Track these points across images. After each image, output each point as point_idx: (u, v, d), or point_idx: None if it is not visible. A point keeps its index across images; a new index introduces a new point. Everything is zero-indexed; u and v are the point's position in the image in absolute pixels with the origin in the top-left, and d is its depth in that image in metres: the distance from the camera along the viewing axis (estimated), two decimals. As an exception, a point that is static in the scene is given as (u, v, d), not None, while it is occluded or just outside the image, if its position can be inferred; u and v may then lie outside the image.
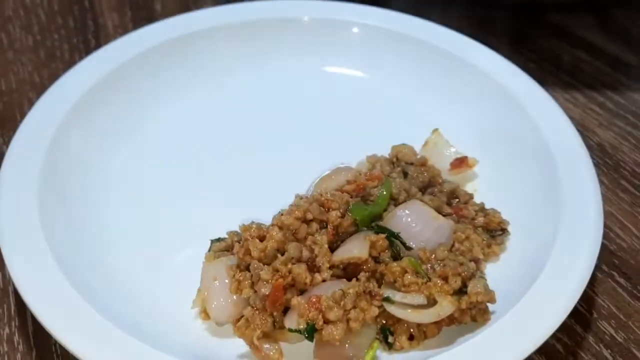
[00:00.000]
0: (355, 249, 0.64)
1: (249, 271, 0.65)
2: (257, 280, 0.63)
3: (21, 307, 0.72)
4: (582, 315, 0.73)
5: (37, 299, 0.63)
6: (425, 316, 0.62)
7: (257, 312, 0.63)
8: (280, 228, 0.66)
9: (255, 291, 0.63)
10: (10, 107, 0.97)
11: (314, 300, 0.61)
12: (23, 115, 0.94)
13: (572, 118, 0.85)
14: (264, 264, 0.64)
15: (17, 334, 0.70)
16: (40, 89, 0.99)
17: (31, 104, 0.97)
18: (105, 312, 0.62)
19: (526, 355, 0.60)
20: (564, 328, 0.70)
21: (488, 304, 0.64)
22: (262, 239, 0.65)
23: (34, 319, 0.71)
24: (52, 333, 0.61)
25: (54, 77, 1.01)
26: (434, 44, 0.96)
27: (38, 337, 0.70)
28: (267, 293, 0.62)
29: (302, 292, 0.64)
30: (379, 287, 0.65)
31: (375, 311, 0.62)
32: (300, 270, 0.62)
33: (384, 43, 0.98)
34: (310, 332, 0.60)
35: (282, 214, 0.67)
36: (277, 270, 0.63)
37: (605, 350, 0.70)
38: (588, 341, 0.71)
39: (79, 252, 0.71)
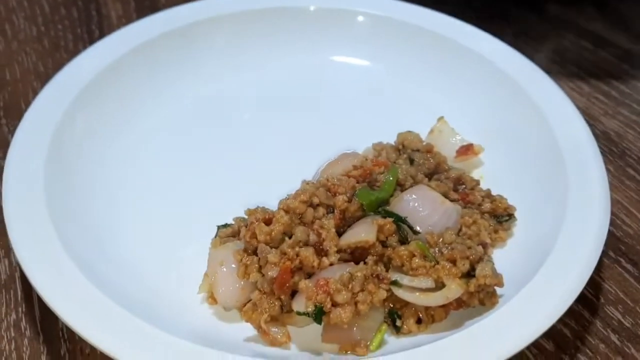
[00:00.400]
0: (363, 232, 0.64)
1: (256, 255, 0.65)
2: (264, 263, 0.63)
3: (28, 292, 0.72)
4: (589, 301, 0.73)
5: (45, 283, 0.63)
6: (434, 299, 0.62)
7: (264, 295, 0.63)
8: (287, 212, 0.66)
9: (263, 275, 0.63)
10: (15, 97, 0.97)
11: (322, 283, 0.61)
12: (28, 104, 0.94)
13: (577, 107, 0.85)
14: (271, 248, 0.64)
15: (24, 319, 0.70)
16: (45, 79, 0.99)
17: (36, 93, 0.96)
18: (113, 295, 0.62)
19: (534, 338, 0.60)
20: (571, 313, 0.70)
21: (496, 288, 0.64)
22: (268, 222, 0.65)
23: (40, 304, 0.71)
24: (59, 316, 0.60)
25: (58, 66, 1.01)
26: (439, 32, 0.96)
27: (45, 322, 0.70)
28: (274, 276, 0.62)
29: (309, 275, 0.64)
30: (387, 271, 0.65)
31: (383, 294, 0.62)
32: (308, 253, 0.62)
33: (390, 32, 0.98)
34: (319, 315, 0.60)
35: (288, 198, 0.67)
36: (285, 254, 0.63)
37: (613, 335, 0.70)
38: (596, 326, 0.71)
39: (86, 238, 0.71)
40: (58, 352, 0.67)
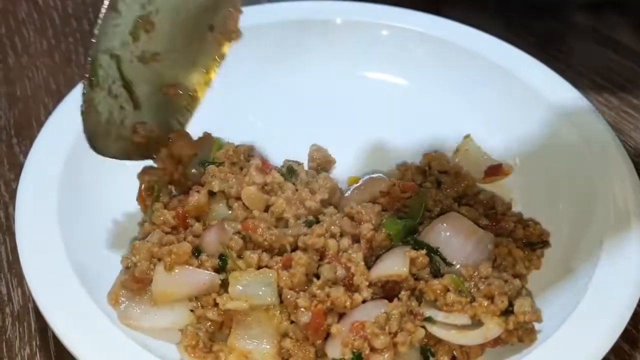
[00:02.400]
0: (396, 265, 0.61)
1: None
2: (293, 309, 0.60)
3: (42, 325, 0.70)
4: (628, 332, 0.69)
5: (60, 319, 0.60)
6: (471, 338, 0.58)
7: (298, 343, 0.60)
8: (304, 250, 0.63)
9: (292, 322, 0.60)
10: (26, 114, 0.95)
11: (358, 327, 0.58)
12: (39, 122, 0.92)
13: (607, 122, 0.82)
14: (297, 292, 0.61)
15: (39, 354, 0.67)
16: (56, 95, 0.97)
17: (47, 110, 0.94)
18: (133, 334, 0.60)
19: (578, 379, 0.57)
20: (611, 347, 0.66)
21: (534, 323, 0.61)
22: (287, 265, 0.62)
23: (56, 339, 0.68)
24: (76, 355, 0.58)
25: (70, 82, 0.98)
26: (463, 46, 0.93)
27: (60, 357, 0.67)
28: (308, 321, 0.58)
29: (340, 315, 0.61)
30: (419, 305, 0.62)
31: (422, 333, 0.59)
32: (339, 293, 0.59)
33: (414, 46, 0.95)
34: None
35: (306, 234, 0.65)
36: (315, 296, 0.60)
37: (654, 369, 0.67)
38: (636, 359, 0.67)
39: (104, 269, 0.67)
40: (74, 388, 0.65)
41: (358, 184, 0.72)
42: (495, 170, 0.80)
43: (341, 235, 0.66)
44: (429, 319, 0.60)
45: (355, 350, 0.57)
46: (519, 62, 0.90)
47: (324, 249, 0.64)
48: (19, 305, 0.72)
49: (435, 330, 0.60)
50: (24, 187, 0.71)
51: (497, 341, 0.60)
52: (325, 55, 0.96)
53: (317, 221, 0.68)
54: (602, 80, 1.03)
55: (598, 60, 1.08)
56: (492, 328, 0.58)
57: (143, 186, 0.73)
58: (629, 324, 0.69)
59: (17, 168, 0.86)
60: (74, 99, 0.82)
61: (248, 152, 0.77)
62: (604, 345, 0.59)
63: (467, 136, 0.84)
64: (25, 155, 0.76)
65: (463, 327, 0.59)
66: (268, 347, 0.60)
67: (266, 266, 0.63)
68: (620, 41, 1.12)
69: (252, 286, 0.61)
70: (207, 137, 0.77)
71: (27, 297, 0.72)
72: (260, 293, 0.60)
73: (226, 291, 0.62)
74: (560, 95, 0.85)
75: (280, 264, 0.62)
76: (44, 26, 1.11)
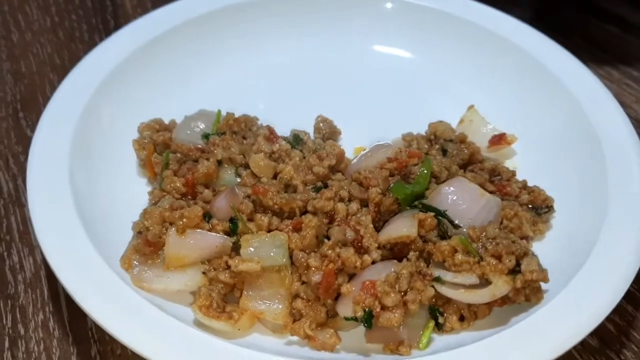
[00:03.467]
0: (404, 227, 0.62)
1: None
2: (304, 270, 0.61)
3: (55, 292, 0.71)
4: (632, 294, 0.71)
5: (73, 280, 0.61)
6: (480, 297, 0.59)
7: (309, 303, 0.61)
8: (314, 213, 0.64)
9: (304, 282, 0.61)
10: (31, 90, 0.95)
11: (369, 285, 0.59)
12: (45, 97, 0.92)
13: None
14: (307, 253, 0.62)
15: (52, 319, 0.68)
16: (61, 71, 0.97)
17: (53, 86, 0.95)
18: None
19: (582, 337, 0.58)
20: (615, 308, 0.67)
21: (541, 283, 0.62)
22: (297, 228, 0.63)
23: (68, 304, 0.69)
24: (90, 315, 0.59)
25: (74, 58, 0.99)
26: (468, 19, 0.94)
27: (74, 323, 0.68)
28: (319, 281, 0.59)
29: (350, 276, 0.62)
30: (427, 267, 0.63)
31: (431, 291, 0.60)
32: (349, 253, 0.60)
33: (419, 20, 0.95)
34: (369, 319, 0.58)
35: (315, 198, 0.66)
36: (326, 256, 0.60)
37: (658, 330, 0.68)
38: (640, 320, 0.69)
39: (115, 233, 0.68)
40: (88, 353, 0.66)
41: (365, 151, 0.73)
42: (499, 140, 0.80)
43: (349, 200, 0.67)
44: (438, 279, 0.61)
45: (366, 308, 0.58)
46: (521, 34, 0.91)
47: (333, 212, 0.65)
48: (30, 273, 0.72)
49: (444, 290, 0.61)
50: (34, 159, 0.72)
51: (504, 300, 0.61)
52: (330, 28, 0.96)
53: (326, 186, 0.68)
54: (602, 54, 1.04)
55: (599, 35, 1.08)
56: (500, 286, 0.59)
57: (148, 155, 0.74)
58: (633, 286, 0.71)
59: (24, 141, 0.86)
60: (79, 73, 0.84)
61: (249, 122, 0.78)
62: (607, 306, 0.60)
63: (471, 107, 0.84)
64: (32, 129, 0.77)
65: (471, 287, 0.60)
66: (280, 307, 0.61)
67: (277, 229, 0.64)
68: (620, 16, 1.12)
69: (263, 248, 0.62)
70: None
71: (38, 265, 0.73)
72: (272, 254, 0.61)
73: (237, 254, 0.63)
74: (562, 65, 0.86)
75: (290, 227, 0.63)
76: (47, 3, 1.11)
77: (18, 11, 1.09)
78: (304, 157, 0.72)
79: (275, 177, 0.70)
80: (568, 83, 0.84)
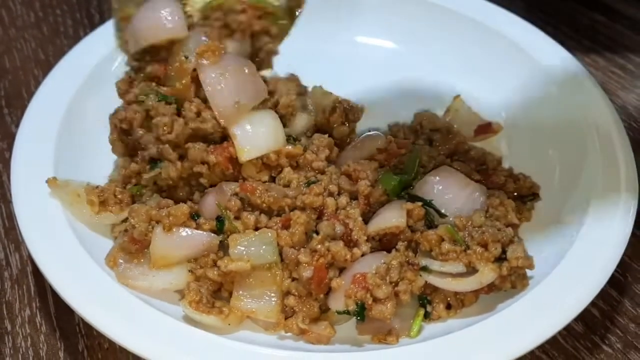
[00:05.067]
0: (393, 217, 0.62)
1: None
2: (294, 266, 0.61)
3: (41, 287, 0.70)
4: (616, 279, 0.71)
5: (59, 276, 0.61)
6: (467, 284, 0.60)
7: (301, 299, 0.61)
8: (303, 209, 0.64)
9: (294, 279, 0.61)
10: (16, 85, 0.94)
11: (360, 278, 0.59)
12: (30, 93, 0.92)
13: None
14: (297, 249, 0.62)
15: (39, 315, 0.68)
16: (46, 66, 0.96)
17: (37, 81, 0.94)
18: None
19: (567, 322, 0.59)
20: (599, 293, 0.68)
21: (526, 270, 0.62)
22: (286, 225, 0.63)
23: (55, 299, 0.69)
24: (76, 310, 0.59)
25: (59, 53, 0.98)
26: (451, 8, 0.94)
27: (60, 318, 0.68)
28: (310, 276, 0.59)
29: (340, 270, 0.62)
30: (415, 256, 0.63)
31: (422, 281, 0.60)
32: (339, 247, 0.60)
33: (404, 10, 0.95)
34: (361, 312, 0.58)
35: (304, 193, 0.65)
36: (315, 251, 0.60)
37: (643, 314, 0.69)
38: (625, 305, 0.69)
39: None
40: (76, 347, 0.66)
41: (355, 141, 0.73)
42: (485, 129, 0.81)
43: (339, 193, 0.67)
44: (425, 269, 0.61)
45: (358, 302, 0.58)
46: (506, 23, 0.91)
47: (322, 207, 0.65)
48: (17, 269, 0.72)
49: (432, 279, 0.61)
50: (18, 155, 0.72)
51: (491, 287, 0.62)
52: (314, 19, 0.95)
53: (316, 180, 0.68)
54: (589, 42, 1.04)
55: (586, 23, 1.09)
56: (487, 274, 0.59)
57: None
58: (617, 271, 0.71)
59: (9, 138, 0.86)
60: (63, 68, 0.83)
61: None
62: (591, 291, 0.61)
63: (457, 97, 0.84)
64: (17, 125, 0.76)
65: (458, 275, 0.60)
66: (272, 305, 0.61)
67: (265, 226, 0.64)
68: (608, 4, 1.12)
69: (252, 246, 0.61)
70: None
71: (25, 261, 0.73)
72: (262, 252, 0.61)
73: (224, 253, 0.63)
74: (548, 54, 0.86)
75: (279, 224, 0.63)
76: (30, -2, 1.11)
77: (1, 7, 1.09)
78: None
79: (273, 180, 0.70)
80: (553, 71, 0.84)
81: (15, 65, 0.98)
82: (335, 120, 0.73)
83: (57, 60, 0.85)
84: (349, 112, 0.74)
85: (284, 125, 0.71)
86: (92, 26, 1.03)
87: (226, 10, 0.73)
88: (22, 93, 0.93)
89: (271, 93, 0.75)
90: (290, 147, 0.69)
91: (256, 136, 0.67)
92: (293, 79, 0.81)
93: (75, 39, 1.00)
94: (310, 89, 0.80)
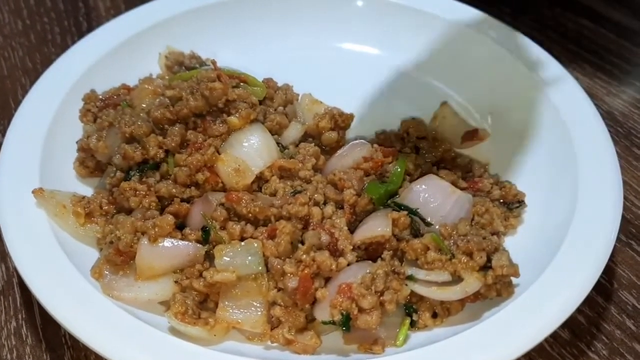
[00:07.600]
0: (379, 227, 0.62)
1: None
2: (280, 276, 0.61)
3: (27, 299, 0.70)
4: (603, 286, 0.72)
5: (45, 291, 0.60)
6: (452, 293, 0.60)
7: (287, 309, 0.61)
8: (288, 219, 0.64)
9: (280, 289, 0.61)
10: (3, 93, 0.94)
11: (345, 288, 0.59)
12: (17, 102, 0.91)
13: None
14: (283, 259, 0.61)
15: (25, 326, 0.68)
16: (34, 74, 0.96)
17: (24, 89, 0.94)
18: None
19: (553, 329, 0.59)
20: (585, 300, 0.68)
21: (512, 278, 0.63)
22: (272, 235, 0.63)
23: (41, 311, 0.68)
24: (61, 323, 0.58)
25: (47, 61, 0.97)
26: (438, 14, 0.94)
27: (46, 329, 0.67)
28: (295, 286, 0.59)
29: (326, 279, 0.62)
30: (400, 265, 0.63)
31: (407, 290, 0.60)
32: (324, 257, 0.60)
33: (389, 16, 0.95)
34: (346, 322, 0.58)
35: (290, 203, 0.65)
36: (301, 261, 0.60)
37: (628, 320, 0.69)
38: (610, 312, 0.70)
39: (86, 240, 0.68)
40: (62, 359, 0.65)
41: (341, 150, 0.73)
42: (472, 136, 0.81)
43: (325, 203, 0.67)
44: (411, 278, 0.61)
45: (343, 312, 0.58)
46: (491, 29, 0.91)
47: (308, 217, 0.65)
48: (3, 281, 0.72)
49: (417, 288, 0.61)
50: (4, 165, 0.71)
51: (476, 296, 0.62)
52: (301, 27, 0.96)
53: (301, 190, 0.68)
54: (575, 47, 1.05)
55: (572, 29, 1.09)
56: (472, 282, 0.59)
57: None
58: (603, 278, 0.72)
59: (-5, 147, 0.85)
60: (51, 77, 0.83)
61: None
62: (577, 298, 0.61)
63: (444, 103, 0.85)
64: (4, 134, 0.76)
65: (444, 284, 0.61)
66: (258, 315, 0.61)
67: (251, 237, 0.64)
68: (594, 10, 1.13)
69: (238, 257, 0.61)
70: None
71: (11, 272, 0.73)
72: (247, 262, 0.61)
73: (210, 264, 0.63)
74: (535, 60, 0.86)
75: (265, 234, 0.63)
76: (18, 6, 1.10)
77: (-12, 15, 1.08)
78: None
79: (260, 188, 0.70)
80: (539, 78, 0.84)
81: (3, 74, 0.97)
82: (325, 127, 0.74)
83: (44, 69, 0.85)
84: (339, 119, 0.75)
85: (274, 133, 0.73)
86: (80, 34, 1.03)
87: None
88: (9, 101, 0.93)
89: (262, 102, 0.76)
90: (283, 161, 0.69)
91: (249, 157, 0.69)
92: (285, 88, 0.81)
93: (63, 47, 1.00)
94: (300, 97, 0.80)
